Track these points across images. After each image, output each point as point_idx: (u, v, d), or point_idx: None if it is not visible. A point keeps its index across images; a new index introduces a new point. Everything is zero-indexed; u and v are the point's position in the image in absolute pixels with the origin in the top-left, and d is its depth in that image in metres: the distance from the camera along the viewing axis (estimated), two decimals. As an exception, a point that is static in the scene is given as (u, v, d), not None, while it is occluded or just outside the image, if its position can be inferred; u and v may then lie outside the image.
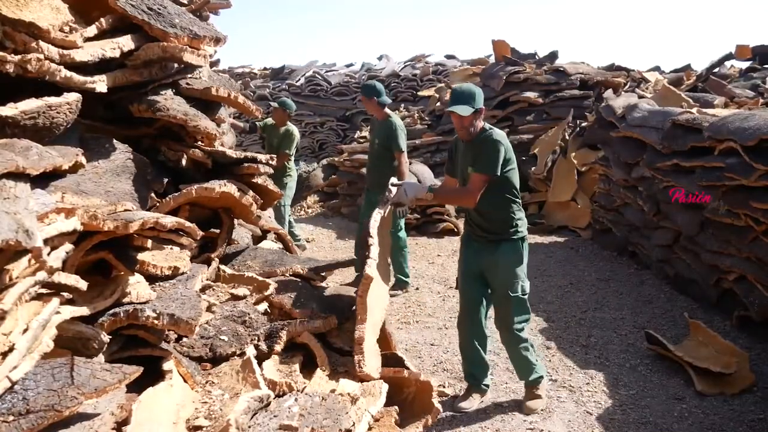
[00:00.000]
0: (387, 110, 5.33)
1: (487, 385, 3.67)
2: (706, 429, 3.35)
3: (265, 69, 16.90)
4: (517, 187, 3.44)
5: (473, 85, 3.40)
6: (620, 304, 5.27)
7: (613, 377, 3.94)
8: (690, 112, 5.51)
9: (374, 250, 3.00)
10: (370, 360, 2.72)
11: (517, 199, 3.44)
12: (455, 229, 8.05)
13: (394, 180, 3.48)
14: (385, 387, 2.60)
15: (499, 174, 3.27)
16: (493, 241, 3.39)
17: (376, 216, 3.19)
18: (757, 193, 4.28)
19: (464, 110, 3.23)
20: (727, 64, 9.97)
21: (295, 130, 6.68)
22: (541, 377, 3.58)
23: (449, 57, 15.47)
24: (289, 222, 7.18)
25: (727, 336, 4.29)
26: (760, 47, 9.06)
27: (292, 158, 6.78)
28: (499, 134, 3.36)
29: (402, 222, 5.37)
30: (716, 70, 9.21)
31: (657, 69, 11.72)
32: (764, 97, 7.20)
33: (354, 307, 3.53)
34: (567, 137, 8.72)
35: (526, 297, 3.43)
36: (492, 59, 11.32)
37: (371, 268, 2.88)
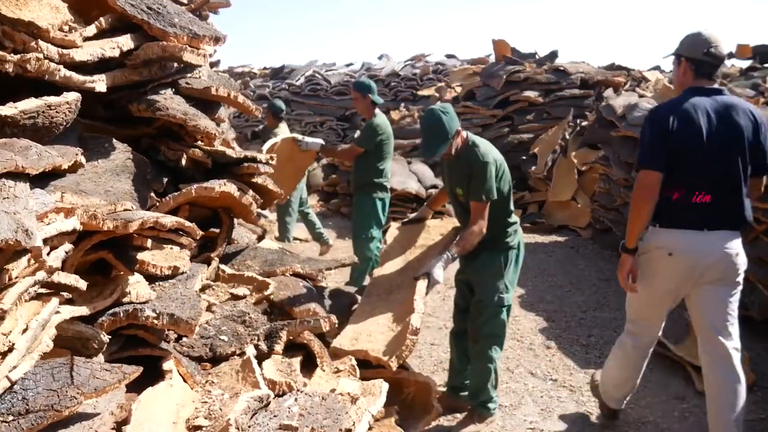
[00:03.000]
0: (376, 110, 5.12)
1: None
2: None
3: (264, 68, 16.92)
4: (509, 198, 3.26)
5: (437, 110, 3.10)
6: (621, 304, 5.22)
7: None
8: (690, 112, 5.49)
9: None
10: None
11: (508, 210, 3.26)
12: (455, 229, 8.07)
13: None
14: (386, 386, 2.59)
15: (496, 196, 3.11)
16: (479, 252, 3.19)
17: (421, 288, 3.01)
18: (757, 193, 4.26)
19: (442, 149, 3.05)
20: (728, 63, 9.96)
21: (281, 131, 6.72)
22: (491, 413, 3.34)
23: (449, 56, 15.49)
24: (313, 222, 7.19)
25: (727, 335, 4.29)
26: (760, 46, 9.04)
27: None
28: (485, 151, 3.12)
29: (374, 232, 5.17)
30: (717, 69, 9.20)
31: (657, 68, 11.72)
32: (765, 96, 7.19)
33: (354, 307, 3.55)
34: (567, 136, 8.71)
35: (503, 310, 3.25)
36: (492, 59, 11.31)
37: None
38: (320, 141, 5.04)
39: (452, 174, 3.27)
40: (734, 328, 2.85)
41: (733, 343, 2.82)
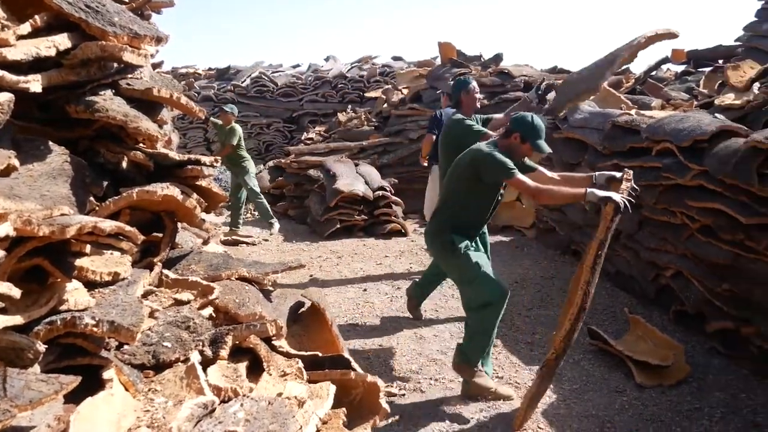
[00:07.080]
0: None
1: None
2: (645, 420, 3.46)
3: (210, 69, 16.66)
4: None
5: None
6: (564, 302, 5.39)
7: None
8: (629, 114, 5.67)
9: None
10: None
11: None
12: (402, 230, 8.12)
13: None
14: (333, 389, 2.60)
15: None
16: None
17: None
18: (691, 192, 4.44)
19: None
20: (664, 67, 10.32)
21: (237, 127, 8.30)
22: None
23: (396, 58, 15.58)
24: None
25: (665, 330, 4.45)
26: (694, 51, 9.41)
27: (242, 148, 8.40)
28: None
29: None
30: (653, 73, 9.52)
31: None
32: (698, 99, 7.48)
33: (301, 310, 3.53)
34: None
35: None
36: (438, 61, 11.44)
37: None
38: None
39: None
40: None
41: None
